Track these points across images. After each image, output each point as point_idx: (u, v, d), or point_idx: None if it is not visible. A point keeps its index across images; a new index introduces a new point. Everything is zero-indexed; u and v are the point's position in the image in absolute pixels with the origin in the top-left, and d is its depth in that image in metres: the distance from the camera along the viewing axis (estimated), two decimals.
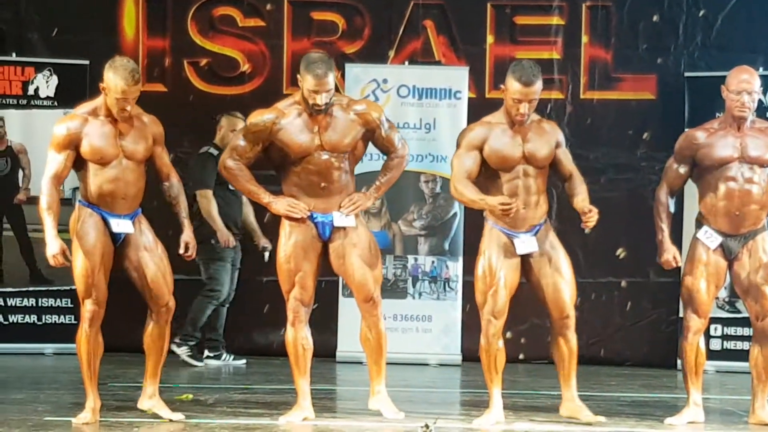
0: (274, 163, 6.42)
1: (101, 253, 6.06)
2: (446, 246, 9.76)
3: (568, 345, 6.35)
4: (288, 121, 6.31)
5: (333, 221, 6.32)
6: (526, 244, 6.30)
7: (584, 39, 9.98)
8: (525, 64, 6.32)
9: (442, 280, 9.73)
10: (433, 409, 6.76)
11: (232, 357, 9.31)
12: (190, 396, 7.10)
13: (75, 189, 9.01)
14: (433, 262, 9.72)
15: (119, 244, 6.15)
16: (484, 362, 6.33)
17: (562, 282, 6.31)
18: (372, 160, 8.13)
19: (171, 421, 6.14)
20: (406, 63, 9.91)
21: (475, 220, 10.03)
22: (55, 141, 6.08)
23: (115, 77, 6.01)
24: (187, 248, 6.25)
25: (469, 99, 9.68)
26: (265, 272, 9.94)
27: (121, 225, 6.11)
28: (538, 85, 6.28)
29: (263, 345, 9.75)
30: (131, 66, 6.04)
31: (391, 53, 10.01)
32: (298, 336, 6.31)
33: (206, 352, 9.22)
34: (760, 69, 8.77)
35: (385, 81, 9.63)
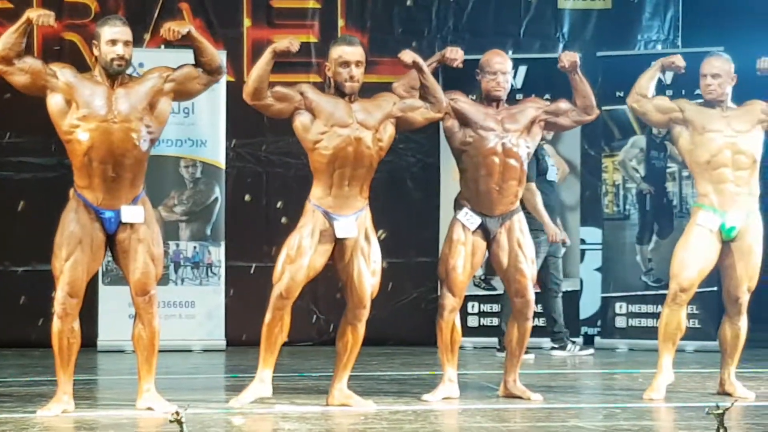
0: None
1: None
2: (208, 231, 9.71)
3: (355, 335, 6.33)
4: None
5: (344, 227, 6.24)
6: (345, 228, 6.24)
7: (341, 23, 10.10)
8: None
9: (204, 265, 9.68)
10: (195, 395, 6.73)
11: (578, 347, 9.15)
12: None
13: None
14: (195, 247, 9.66)
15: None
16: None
17: (367, 272, 6.28)
18: None
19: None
20: (162, 47, 9.77)
21: (236, 205, 10.05)
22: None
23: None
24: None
25: (228, 83, 9.64)
26: (19, 262, 9.70)
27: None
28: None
29: (20, 336, 9.49)
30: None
31: (147, 36, 9.88)
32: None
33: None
34: (510, 52, 9.06)
35: (141, 65, 9.46)
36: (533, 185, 8.86)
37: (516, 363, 6.74)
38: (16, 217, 9.67)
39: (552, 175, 9.22)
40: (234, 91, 9.67)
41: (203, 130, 9.64)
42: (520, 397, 6.65)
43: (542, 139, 9.10)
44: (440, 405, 6.49)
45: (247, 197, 10.17)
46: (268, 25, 10.09)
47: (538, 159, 9.01)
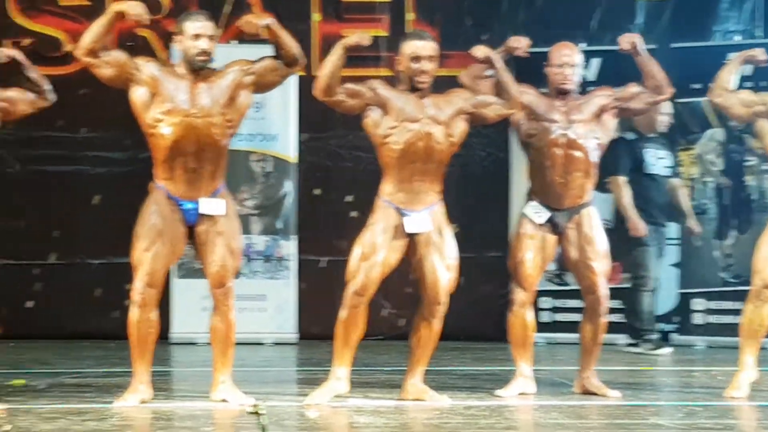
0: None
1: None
2: (279, 225, 9.74)
3: (430, 331, 6.28)
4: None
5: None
6: (415, 223, 6.20)
7: (410, 16, 10.07)
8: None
9: (275, 259, 9.71)
10: (267, 389, 6.73)
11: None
12: (23, 381, 6.93)
13: None
14: (266, 241, 9.70)
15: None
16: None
17: (442, 267, 6.23)
18: None
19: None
20: (234, 42, 9.81)
21: (307, 199, 10.05)
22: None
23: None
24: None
25: (299, 77, 9.64)
26: (94, 255, 9.79)
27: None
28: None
29: (95, 328, 9.58)
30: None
31: (219, 32, 9.89)
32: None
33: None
34: (583, 44, 8.96)
35: (213, 60, 9.52)
36: (620, 179, 8.79)
37: (591, 360, 6.67)
38: (91, 210, 9.76)
39: (656, 168, 9.09)
40: (305, 85, 9.66)
41: (274, 125, 9.67)
42: (595, 394, 6.59)
43: (653, 132, 9.05)
44: (515, 400, 6.45)
45: (317, 191, 10.19)
46: (337, 19, 10.10)
47: (635, 152, 8.91)
